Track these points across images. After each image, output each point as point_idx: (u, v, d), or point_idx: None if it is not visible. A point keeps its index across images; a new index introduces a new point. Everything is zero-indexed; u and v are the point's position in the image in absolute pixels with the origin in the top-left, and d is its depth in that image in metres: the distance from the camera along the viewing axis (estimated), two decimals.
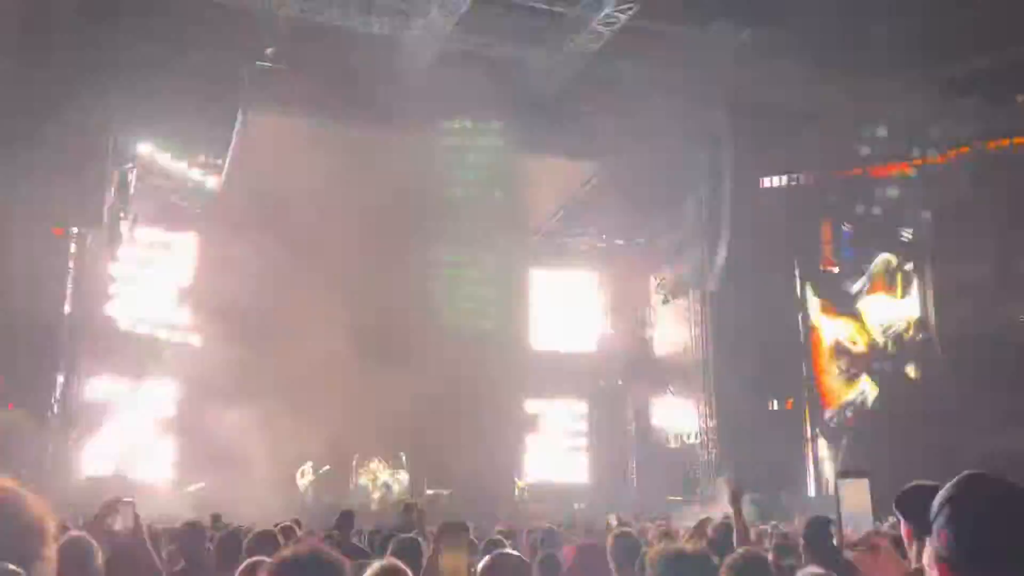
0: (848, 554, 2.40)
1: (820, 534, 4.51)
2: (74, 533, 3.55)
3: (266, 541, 4.85)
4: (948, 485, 1.73)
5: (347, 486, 24.92)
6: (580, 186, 26.40)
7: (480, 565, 3.37)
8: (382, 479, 24.63)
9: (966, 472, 1.75)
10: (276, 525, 8.68)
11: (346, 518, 8.46)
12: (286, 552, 2.31)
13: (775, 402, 26.56)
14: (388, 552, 4.60)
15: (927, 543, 1.76)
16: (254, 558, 3.75)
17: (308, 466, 24.28)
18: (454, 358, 28.42)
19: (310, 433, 26.12)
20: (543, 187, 26.42)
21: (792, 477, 25.01)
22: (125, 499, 3.83)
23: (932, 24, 25.66)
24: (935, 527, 1.68)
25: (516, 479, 25.03)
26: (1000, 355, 26.44)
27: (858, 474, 2.32)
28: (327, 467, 24.67)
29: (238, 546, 4.92)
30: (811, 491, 24.22)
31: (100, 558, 3.45)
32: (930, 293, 27.74)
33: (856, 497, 2.27)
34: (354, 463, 25.30)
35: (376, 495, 23.74)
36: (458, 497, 24.70)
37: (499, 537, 6.28)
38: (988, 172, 28.86)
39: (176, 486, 22.78)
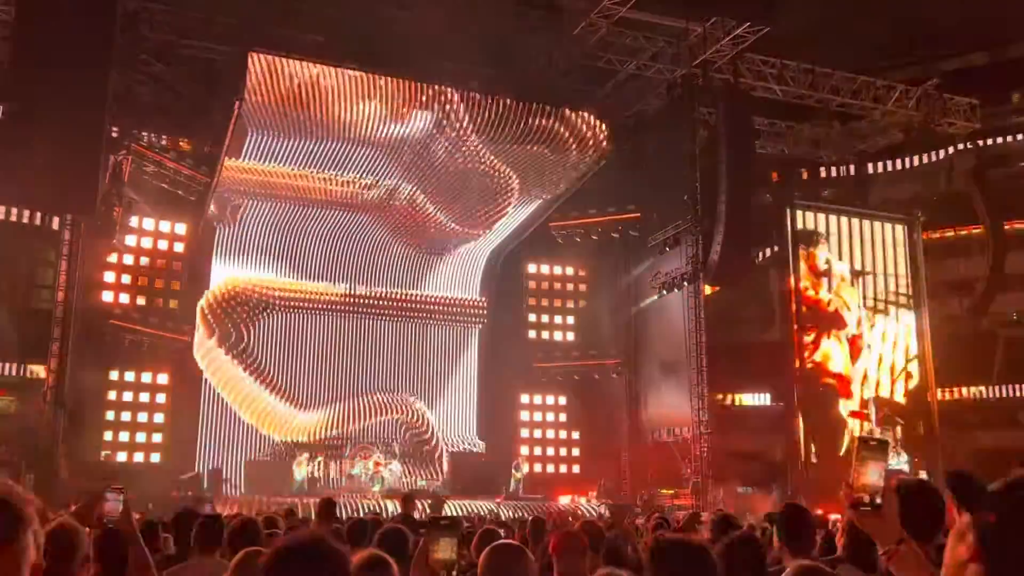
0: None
1: (795, 522, 4.44)
2: (63, 519, 3.50)
3: (253, 529, 4.82)
4: (997, 490, 1.71)
5: (341, 476, 24.91)
6: (577, 179, 26.34)
7: (481, 556, 3.33)
8: (376, 469, 24.61)
9: (1012, 478, 1.72)
10: (264, 514, 8.66)
11: (328, 506, 8.29)
12: (285, 539, 2.26)
13: (767, 396, 26.60)
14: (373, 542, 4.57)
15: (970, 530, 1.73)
16: (251, 547, 3.71)
17: (303, 457, 24.27)
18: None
19: (305, 423, 26.22)
20: (538, 176, 26.36)
21: (783, 471, 25.08)
22: (114, 486, 3.80)
23: (929, 22, 25.67)
24: (984, 538, 1.66)
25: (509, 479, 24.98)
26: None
27: (878, 441, 2.31)
28: (320, 458, 24.71)
29: (221, 532, 4.87)
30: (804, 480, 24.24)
31: (88, 544, 3.41)
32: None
33: (873, 461, 2.26)
34: (347, 453, 25.31)
35: (375, 487, 23.75)
36: (450, 486, 24.76)
37: (494, 528, 6.25)
38: (984, 169, 28.95)
39: (168, 473, 22.72)
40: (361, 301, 27.90)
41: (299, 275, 27.18)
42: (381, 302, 28.15)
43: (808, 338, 26.68)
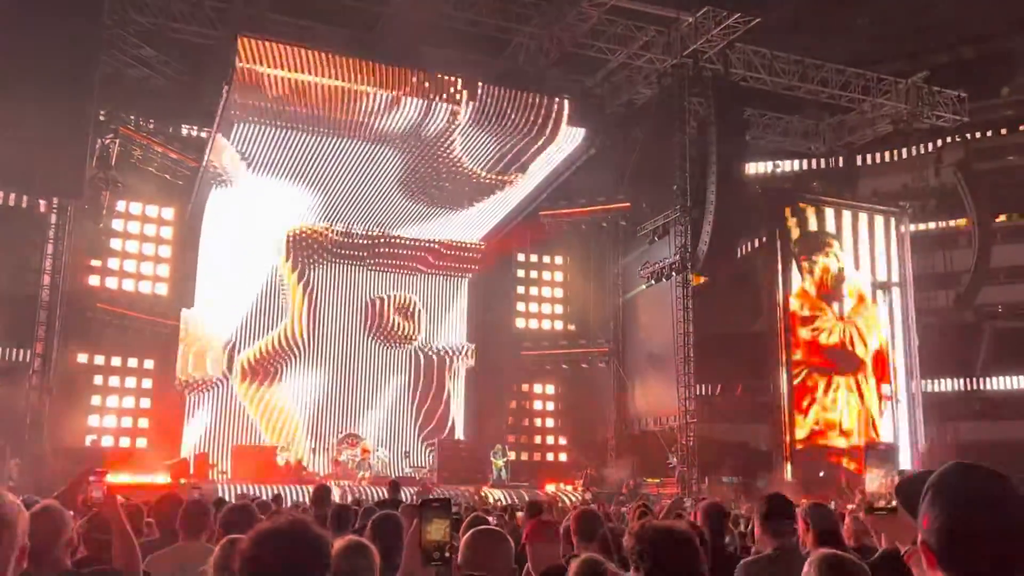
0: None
1: (777, 512, 4.52)
2: (47, 502, 3.51)
3: (244, 514, 4.82)
4: (934, 473, 1.78)
5: (328, 462, 24.94)
6: (565, 169, 26.33)
7: (463, 539, 3.36)
8: (364, 455, 24.62)
9: (951, 461, 1.80)
10: (254, 499, 8.66)
11: (322, 493, 8.23)
12: (265, 524, 2.27)
13: (753, 386, 26.68)
14: (366, 528, 4.59)
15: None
16: (233, 534, 3.72)
17: (289, 443, 24.27)
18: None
19: (293, 408, 26.22)
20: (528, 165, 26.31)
21: (770, 462, 25.20)
22: (98, 470, 3.80)
23: (919, 15, 25.73)
24: (920, 512, 1.73)
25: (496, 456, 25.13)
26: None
27: (886, 445, 2.35)
28: (309, 445, 24.73)
29: (206, 517, 4.87)
30: (788, 476, 24.38)
31: (72, 528, 3.41)
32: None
33: (877, 468, 2.30)
34: (335, 440, 25.32)
35: (362, 473, 23.76)
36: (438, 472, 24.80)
37: (482, 514, 6.31)
38: (972, 163, 29.08)
39: (154, 459, 22.68)
40: (357, 243, 28.03)
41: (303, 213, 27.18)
42: (374, 243, 28.21)
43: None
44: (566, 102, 24.30)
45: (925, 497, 1.73)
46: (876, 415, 26.24)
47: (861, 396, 26.19)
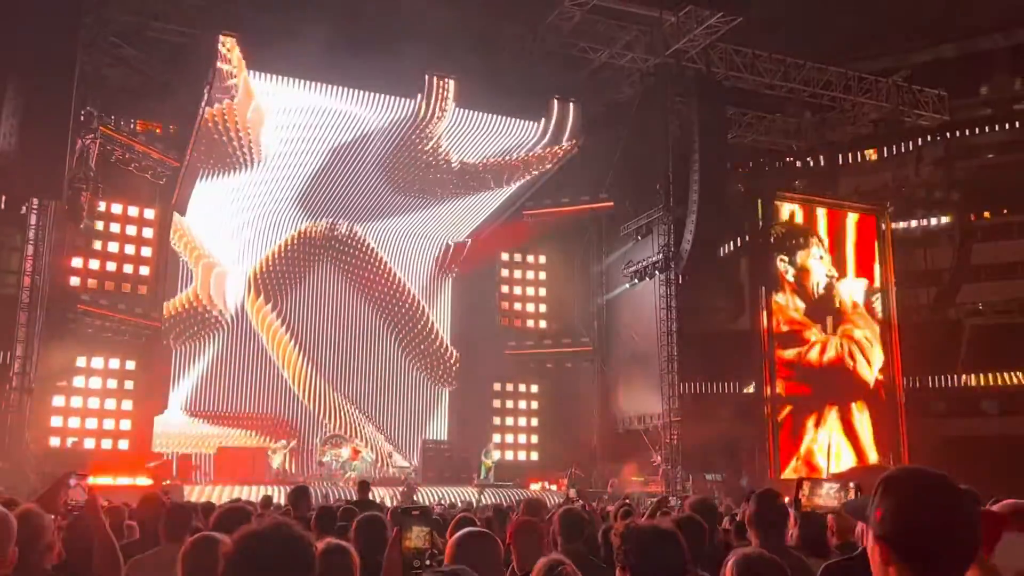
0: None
1: (766, 511, 4.46)
2: (28, 506, 3.47)
3: (232, 516, 4.79)
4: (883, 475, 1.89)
5: (315, 464, 24.86)
6: (548, 165, 26.34)
7: (450, 543, 3.35)
8: (355, 455, 24.57)
9: (900, 465, 1.95)
10: (237, 501, 8.61)
11: (301, 494, 8.19)
12: (249, 526, 2.25)
13: (736, 385, 26.73)
14: (349, 530, 4.57)
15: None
16: (203, 532, 3.71)
17: (279, 444, 24.15)
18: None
19: (275, 409, 26.12)
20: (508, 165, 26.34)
21: (754, 461, 25.27)
22: (79, 472, 3.76)
23: (900, 14, 25.85)
24: (871, 507, 1.83)
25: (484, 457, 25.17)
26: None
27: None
28: (287, 442, 24.60)
29: (188, 519, 4.84)
30: (772, 474, 24.46)
31: (53, 531, 3.38)
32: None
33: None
34: (318, 440, 25.23)
35: (349, 474, 23.68)
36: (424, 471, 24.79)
37: (469, 515, 6.29)
38: (953, 161, 29.26)
39: (136, 461, 22.52)
40: (342, 239, 28.14)
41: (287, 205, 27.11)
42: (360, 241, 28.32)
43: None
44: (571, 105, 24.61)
45: (876, 493, 1.83)
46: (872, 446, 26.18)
47: (855, 434, 26.08)
